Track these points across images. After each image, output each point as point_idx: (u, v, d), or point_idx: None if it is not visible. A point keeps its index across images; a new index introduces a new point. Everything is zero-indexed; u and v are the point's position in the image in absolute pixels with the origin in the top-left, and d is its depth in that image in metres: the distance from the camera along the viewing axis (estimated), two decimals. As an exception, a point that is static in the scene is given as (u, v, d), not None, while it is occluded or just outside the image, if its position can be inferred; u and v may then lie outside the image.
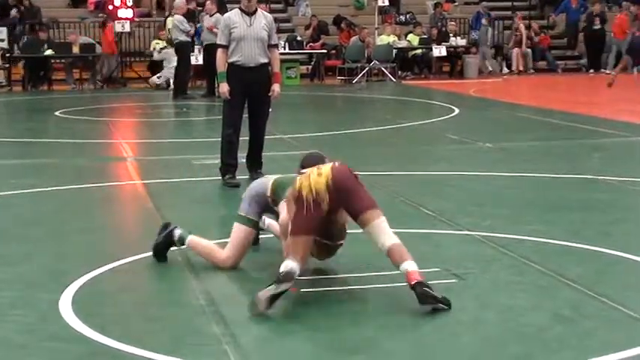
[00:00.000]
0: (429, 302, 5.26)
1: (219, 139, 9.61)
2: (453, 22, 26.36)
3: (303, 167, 6.05)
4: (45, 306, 5.49)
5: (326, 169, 5.62)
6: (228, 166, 9.43)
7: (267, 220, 6.55)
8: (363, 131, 14.21)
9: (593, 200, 8.53)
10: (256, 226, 6.33)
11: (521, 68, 25.76)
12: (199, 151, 11.59)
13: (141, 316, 5.40)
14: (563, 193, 8.98)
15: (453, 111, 16.56)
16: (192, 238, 6.35)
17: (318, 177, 5.56)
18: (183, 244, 6.35)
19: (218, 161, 9.57)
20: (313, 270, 6.13)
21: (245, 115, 9.52)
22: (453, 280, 5.87)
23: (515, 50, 25.96)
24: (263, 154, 9.68)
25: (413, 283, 5.33)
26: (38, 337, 4.98)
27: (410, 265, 5.41)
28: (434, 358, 4.69)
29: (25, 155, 12.25)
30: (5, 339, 4.97)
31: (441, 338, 4.96)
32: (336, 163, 5.71)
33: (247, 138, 9.61)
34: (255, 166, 9.60)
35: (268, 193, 6.22)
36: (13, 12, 24.13)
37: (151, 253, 6.40)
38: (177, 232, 6.37)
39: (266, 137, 9.69)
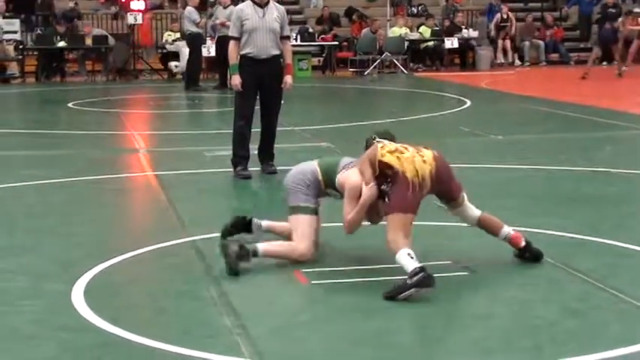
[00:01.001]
0: (541, 257, 6.00)
1: (231, 130, 9.62)
2: (460, 14, 26.29)
3: (380, 138, 6.22)
4: (55, 297, 5.50)
5: (429, 156, 5.88)
6: (240, 158, 9.44)
7: (265, 223, 6.48)
8: (375, 123, 14.17)
9: (605, 193, 8.51)
10: (317, 212, 6.23)
11: (510, 60, 25.71)
12: (211, 143, 11.60)
13: (152, 307, 5.41)
14: (575, 186, 8.96)
15: (465, 103, 16.53)
16: (264, 247, 6.10)
17: (423, 163, 5.81)
18: (256, 256, 6.04)
19: (230, 153, 9.57)
20: (323, 262, 6.13)
21: (257, 107, 9.52)
22: (464, 273, 5.87)
23: (500, 42, 25.87)
24: (275, 145, 9.68)
25: (522, 245, 6.04)
26: (48, 328, 5.00)
27: (509, 230, 6.08)
28: (444, 351, 4.69)
29: (37, 146, 12.27)
30: (16, 329, 4.99)
31: (451, 331, 4.96)
32: (436, 153, 5.97)
33: (259, 130, 9.61)
34: (267, 158, 9.60)
35: (320, 178, 6.20)
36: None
37: (160, 245, 6.39)
38: (250, 248, 6.03)
39: (278, 129, 9.68)
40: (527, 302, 5.34)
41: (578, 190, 8.72)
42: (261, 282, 5.83)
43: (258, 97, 9.45)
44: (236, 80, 9.26)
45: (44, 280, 5.86)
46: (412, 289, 5.30)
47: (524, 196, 8.40)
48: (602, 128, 13.14)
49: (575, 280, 5.75)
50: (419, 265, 5.38)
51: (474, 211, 6.13)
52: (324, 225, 6.77)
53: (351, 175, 6.02)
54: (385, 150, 5.90)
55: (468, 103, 16.56)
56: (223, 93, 18.70)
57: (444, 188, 5.97)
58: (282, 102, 9.68)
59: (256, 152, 9.64)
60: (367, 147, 6.21)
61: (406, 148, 5.93)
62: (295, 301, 5.44)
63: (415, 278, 5.30)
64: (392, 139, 6.27)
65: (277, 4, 9.54)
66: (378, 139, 6.19)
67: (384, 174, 5.85)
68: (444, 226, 7.09)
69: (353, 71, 23.92)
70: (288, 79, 9.37)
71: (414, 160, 5.80)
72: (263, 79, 9.29)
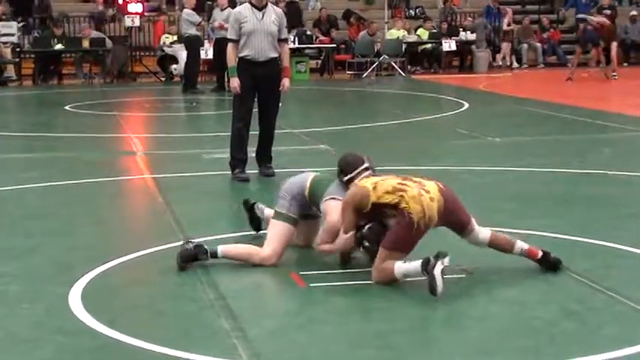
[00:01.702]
0: (560, 265, 5.91)
1: (229, 133, 9.62)
2: (470, 19, 26.28)
3: (345, 172, 6.07)
4: (53, 299, 5.50)
5: (434, 191, 5.70)
6: (237, 161, 9.44)
7: (266, 211, 6.54)
8: (373, 126, 14.20)
9: (602, 195, 8.52)
10: (296, 223, 6.23)
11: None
12: (209, 146, 11.61)
13: (150, 310, 5.41)
14: (572, 188, 8.97)
15: (463, 105, 16.54)
16: (223, 248, 6.19)
17: (430, 201, 5.64)
18: (215, 257, 6.13)
19: (228, 155, 9.58)
20: (321, 265, 6.14)
21: (255, 110, 9.53)
22: (462, 275, 5.88)
23: (506, 45, 25.91)
24: (273, 148, 9.69)
25: (540, 256, 5.93)
26: (46, 331, 5.00)
27: (523, 244, 5.96)
28: (443, 352, 4.70)
29: (35, 149, 12.27)
30: (13, 332, 4.99)
31: (449, 332, 4.97)
32: (441, 185, 5.80)
33: (257, 132, 9.62)
34: (265, 161, 9.61)
35: (306, 192, 6.20)
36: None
37: (158, 248, 6.40)
38: (208, 248, 6.17)
39: (276, 131, 9.69)
40: (525, 303, 5.35)
41: (573, 192, 8.74)
42: (258, 284, 5.84)
43: (256, 99, 9.47)
44: (235, 83, 9.26)
45: (42, 283, 5.86)
46: (437, 277, 5.33)
47: (521, 197, 8.41)
48: (597, 130, 13.16)
49: (571, 281, 5.76)
50: (419, 260, 5.42)
51: (485, 234, 5.96)
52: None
53: (334, 211, 5.95)
54: (381, 191, 5.70)
55: (466, 105, 16.57)
56: (221, 95, 18.71)
57: (453, 219, 5.83)
58: (280, 104, 9.69)
59: (254, 155, 9.64)
60: (342, 172, 6.09)
61: (407, 185, 5.71)
62: (293, 304, 5.44)
63: (429, 266, 5.35)
64: (358, 162, 6.12)
65: (275, 7, 9.55)
66: (344, 179, 6.04)
67: (380, 212, 5.73)
68: (440, 229, 7.09)
69: (351, 74, 23.92)
70: (285, 81, 9.38)
71: (421, 199, 5.62)
72: (261, 82, 9.29)
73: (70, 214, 8.04)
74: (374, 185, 5.75)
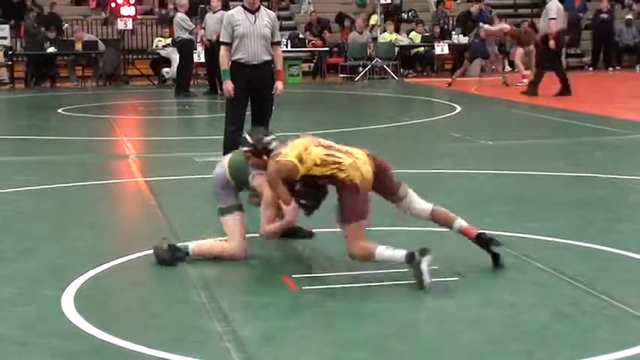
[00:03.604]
0: (495, 244, 5.96)
1: (222, 136, 9.61)
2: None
3: (257, 152, 6.15)
4: (46, 303, 5.50)
5: (363, 156, 5.93)
6: (230, 164, 9.42)
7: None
8: (365, 129, 14.21)
9: (594, 198, 8.54)
10: (241, 209, 6.37)
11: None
12: (202, 149, 11.60)
13: (143, 313, 5.41)
14: (564, 191, 8.99)
15: (455, 109, 16.56)
16: (194, 246, 6.31)
17: (364, 165, 5.87)
18: (187, 255, 6.28)
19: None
20: (313, 268, 6.15)
21: (248, 113, 9.52)
22: (455, 278, 5.88)
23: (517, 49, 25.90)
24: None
25: (475, 236, 5.99)
26: (39, 334, 4.99)
27: (462, 222, 6.05)
28: (435, 355, 4.70)
29: (28, 152, 12.26)
30: (5, 335, 4.98)
31: (442, 335, 4.97)
32: (366, 150, 6.03)
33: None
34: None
35: (228, 177, 6.33)
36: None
37: (150, 251, 6.38)
38: (182, 247, 6.31)
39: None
40: (518, 306, 5.35)
41: (566, 195, 8.75)
42: (251, 288, 5.84)
43: (249, 102, 9.46)
44: (228, 86, 9.25)
45: (35, 286, 5.85)
46: (425, 271, 5.54)
47: (513, 201, 8.43)
48: (590, 133, 13.17)
49: (564, 284, 5.77)
50: (404, 251, 5.63)
51: (425, 204, 6.13)
52: (316, 230, 6.81)
53: (265, 186, 6.11)
54: (310, 163, 5.83)
55: (458, 108, 16.59)
56: (213, 98, 18.71)
57: (384, 184, 6.02)
58: (273, 108, 9.68)
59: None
60: (254, 153, 6.16)
61: (338, 157, 5.88)
62: (285, 307, 5.44)
63: (415, 261, 5.55)
64: (262, 134, 6.29)
65: (268, 10, 9.55)
66: (271, 149, 6.13)
67: (312, 179, 5.91)
68: (433, 232, 7.10)
69: (343, 77, 23.94)
70: (278, 84, 9.37)
71: (356, 165, 5.85)
72: (254, 85, 9.28)
73: (63, 217, 8.03)
74: (299, 158, 5.87)
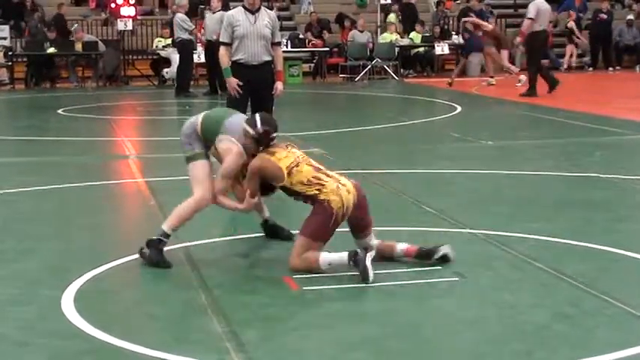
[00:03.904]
0: (437, 253, 6.06)
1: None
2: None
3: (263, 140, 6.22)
4: (46, 303, 5.50)
5: (349, 185, 6.00)
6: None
7: None
8: (365, 129, 14.21)
9: (594, 198, 8.53)
10: (208, 158, 6.42)
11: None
12: (201, 149, 11.57)
13: (143, 314, 5.41)
14: (564, 191, 8.99)
15: (455, 109, 16.55)
16: (167, 224, 6.29)
17: (347, 194, 5.93)
18: (168, 237, 6.27)
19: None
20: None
21: (248, 113, 9.51)
22: (455, 278, 5.88)
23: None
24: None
25: (416, 253, 6.09)
26: (39, 334, 4.99)
27: (402, 244, 6.15)
28: (435, 355, 4.70)
29: (28, 153, 12.25)
30: (5, 336, 4.98)
31: (442, 335, 4.96)
32: (354, 181, 6.11)
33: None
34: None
35: (198, 129, 6.38)
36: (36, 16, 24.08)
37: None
38: (157, 236, 6.28)
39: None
40: (518, 307, 5.35)
41: (566, 195, 8.75)
42: (251, 288, 5.83)
43: (249, 103, 9.45)
44: (232, 82, 9.21)
45: (34, 287, 5.85)
46: (369, 266, 5.71)
47: (514, 201, 8.42)
48: (590, 133, 13.16)
49: (564, 284, 5.76)
50: (345, 252, 5.79)
51: (374, 241, 6.19)
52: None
53: (228, 156, 6.19)
54: (296, 180, 5.97)
55: (459, 108, 16.58)
56: (214, 99, 18.70)
57: (361, 215, 6.06)
58: (274, 108, 9.68)
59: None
60: (250, 134, 6.20)
61: (324, 180, 5.97)
62: (286, 307, 5.44)
63: (358, 258, 5.72)
64: (274, 137, 6.29)
65: (268, 10, 9.54)
66: (272, 145, 6.24)
67: (288, 191, 6.07)
68: (432, 232, 7.10)
69: (344, 77, 23.94)
70: (278, 85, 9.37)
71: (339, 192, 5.93)
72: (254, 86, 9.28)
73: (63, 218, 8.02)
74: (289, 170, 6.01)
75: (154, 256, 6.21)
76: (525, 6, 28.14)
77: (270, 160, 6.05)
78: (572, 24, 25.93)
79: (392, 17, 25.76)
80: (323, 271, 5.87)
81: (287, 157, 6.07)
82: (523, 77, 19.77)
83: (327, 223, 5.89)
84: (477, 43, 21.46)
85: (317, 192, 5.93)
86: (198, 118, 6.49)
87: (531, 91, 18.05)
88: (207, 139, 6.38)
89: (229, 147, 6.23)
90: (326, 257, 5.87)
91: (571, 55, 25.95)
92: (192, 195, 6.33)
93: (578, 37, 25.87)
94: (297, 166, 6.04)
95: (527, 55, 18.58)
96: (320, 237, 5.93)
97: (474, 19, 21.41)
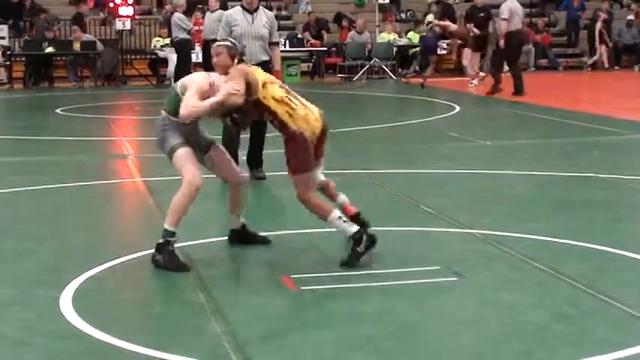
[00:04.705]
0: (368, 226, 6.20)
1: (220, 136, 9.59)
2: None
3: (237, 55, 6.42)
4: (44, 303, 5.49)
5: (316, 113, 6.28)
6: (228, 164, 9.40)
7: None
8: (364, 129, 14.21)
9: (593, 198, 8.53)
10: (188, 143, 6.38)
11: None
12: (200, 149, 11.56)
13: (141, 314, 5.40)
14: (563, 191, 8.98)
15: (454, 109, 16.56)
16: (167, 223, 6.23)
17: (315, 122, 6.22)
18: (173, 235, 6.22)
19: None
20: (312, 268, 6.14)
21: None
22: (454, 278, 5.87)
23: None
24: (264, 152, 9.67)
25: (353, 214, 6.32)
26: (37, 334, 4.98)
27: (344, 198, 6.48)
28: (435, 355, 4.69)
29: (26, 153, 12.24)
30: (4, 336, 4.97)
31: (442, 335, 4.96)
32: (319, 109, 6.37)
33: (248, 136, 9.59)
34: (256, 164, 9.60)
35: (165, 115, 6.42)
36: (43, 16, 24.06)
37: (149, 251, 6.37)
38: (164, 238, 6.22)
39: (267, 135, 9.67)
40: (517, 307, 5.35)
41: (565, 195, 8.75)
42: (250, 288, 5.83)
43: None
44: None
45: (33, 287, 5.84)
46: (365, 255, 5.95)
47: (512, 201, 8.42)
48: (588, 133, 13.16)
49: (563, 284, 5.76)
50: (356, 228, 5.98)
51: (321, 177, 6.46)
52: (315, 231, 6.80)
53: (190, 83, 6.28)
54: (269, 93, 6.16)
55: (457, 108, 16.59)
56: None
57: (318, 145, 6.28)
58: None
59: (245, 158, 9.63)
60: (225, 45, 6.42)
61: (294, 102, 6.20)
62: (284, 307, 5.43)
63: (363, 244, 5.93)
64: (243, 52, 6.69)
65: (266, 10, 9.54)
66: (243, 60, 6.49)
67: (258, 110, 6.25)
68: (433, 232, 7.10)
69: (342, 77, 23.93)
70: (277, 84, 9.36)
71: (307, 118, 6.17)
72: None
73: (61, 218, 8.02)
74: (263, 83, 6.23)
75: (169, 261, 6.10)
76: (523, 5, 28.24)
77: (246, 69, 6.30)
78: (600, 25, 25.88)
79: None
80: (327, 220, 6.09)
81: (260, 74, 6.33)
82: (475, 81, 20.10)
83: (306, 152, 6.13)
84: (432, 45, 22.01)
85: (288, 117, 6.13)
86: (161, 115, 6.50)
87: (518, 90, 18.25)
88: (172, 110, 6.35)
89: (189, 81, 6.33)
90: (336, 220, 6.06)
91: (601, 54, 25.94)
92: (184, 178, 6.30)
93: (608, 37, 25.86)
94: (271, 83, 6.30)
95: (501, 55, 18.79)
96: (307, 167, 6.14)
97: (440, 22, 21.71)
